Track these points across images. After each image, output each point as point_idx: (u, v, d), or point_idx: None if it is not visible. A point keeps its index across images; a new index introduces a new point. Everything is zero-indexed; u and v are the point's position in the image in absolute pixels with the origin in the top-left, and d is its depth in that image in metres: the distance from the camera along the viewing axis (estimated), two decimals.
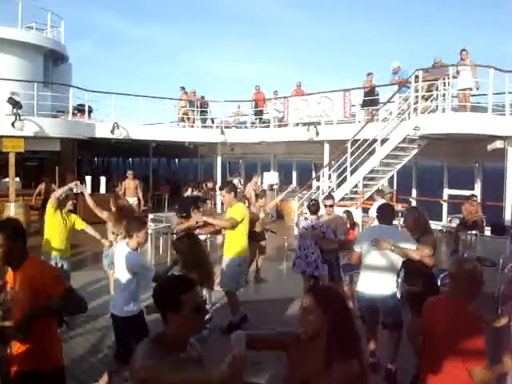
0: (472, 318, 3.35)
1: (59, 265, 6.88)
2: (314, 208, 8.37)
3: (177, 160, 38.53)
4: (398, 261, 5.63)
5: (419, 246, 5.56)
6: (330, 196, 9.23)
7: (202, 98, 22.96)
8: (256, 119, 21.86)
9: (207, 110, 23.08)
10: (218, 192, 16.90)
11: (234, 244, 7.27)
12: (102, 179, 18.88)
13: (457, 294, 3.42)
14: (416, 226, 5.86)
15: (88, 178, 18.25)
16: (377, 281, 5.69)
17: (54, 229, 7.17)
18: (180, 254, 5.67)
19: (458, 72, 14.26)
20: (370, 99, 17.01)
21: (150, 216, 14.79)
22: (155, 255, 12.32)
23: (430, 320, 3.49)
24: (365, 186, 15.23)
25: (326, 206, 8.52)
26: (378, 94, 17.32)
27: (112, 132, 18.54)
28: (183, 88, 22.42)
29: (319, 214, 8.42)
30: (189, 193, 22.00)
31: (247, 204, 11.45)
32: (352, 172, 15.09)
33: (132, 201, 15.58)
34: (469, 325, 3.30)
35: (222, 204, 20.58)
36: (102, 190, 18.55)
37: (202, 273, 5.52)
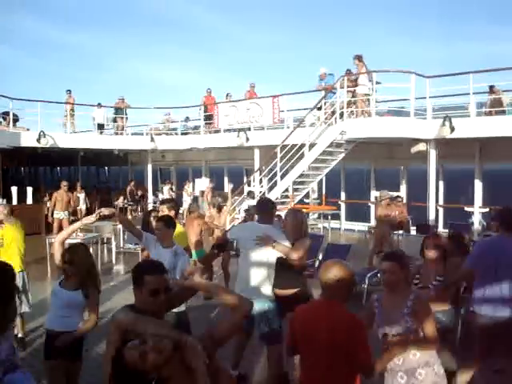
0: (351, 317, 3.35)
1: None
2: (249, 214, 8.53)
3: (106, 168, 37.89)
4: (273, 264, 5.32)
5: (295, 246, 5.31)
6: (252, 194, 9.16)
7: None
8: (206, 124, 20.88)
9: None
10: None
11: None
12: (29, 190, 18.35)
13: (330, 296, 3.37)
14: (294, 229, 5.51)
15: (14, 189, 17.70)
16: (251, 283, 5.32)
17: None
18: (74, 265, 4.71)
19: (356, 80, 14.72)
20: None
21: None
22: None
23: (308, 326, 3.40)
24: (295, 189, 15.47)
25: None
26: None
27: (38, 141, 18.07)
28: (69, 91, 21.46)
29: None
30: (120, 201, 21.79)
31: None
32: (282, 176, 15.30)
33: (63, 215, 14.99)
34: (351, 325, 3.31)
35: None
36: (29, 200, 18.01)
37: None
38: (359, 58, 14.91)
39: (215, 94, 21.26)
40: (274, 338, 5.21)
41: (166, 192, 21.57)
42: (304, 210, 9.15)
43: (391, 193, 16.94)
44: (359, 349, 3.25)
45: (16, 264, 6.20)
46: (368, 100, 14.64)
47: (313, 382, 3.41)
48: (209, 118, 20.70)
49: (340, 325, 3.27)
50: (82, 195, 20.33)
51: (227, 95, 20.97)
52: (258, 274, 5.29)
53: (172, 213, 6.45)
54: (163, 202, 7.18)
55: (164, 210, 6.55)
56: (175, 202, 7.11)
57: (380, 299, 3.98)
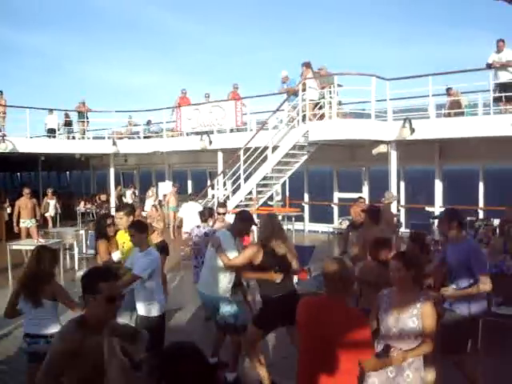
0: (354, 314, 3.55)
1: None
2: (203, 217, 8.52)
3: (68, 173, 37.33)
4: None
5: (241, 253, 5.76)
6: (222, 204, 9.16)
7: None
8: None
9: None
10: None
11: None
12: None
13: (333, 293, 3.53)
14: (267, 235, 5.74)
15: None
16: (211, 280, 5.92)
17: None
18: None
19: (304, 84, 14.87)
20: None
21: (40, 232, 14.36)
22: None
23: (310, 320, 3.55)
24: (259, 192, 15.50)
25: (218, 213, 8.52)
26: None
27: None
28: (0, 92, 20.26)
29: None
30: (81, 207, 21.50)
31: None
32: (246, 179, 15.32)
33: (30, 223, 14.31)
34: (353, 320, 3.46)
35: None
36: None
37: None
38: (307, 64, 15.27)
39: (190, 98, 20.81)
40: (229, 331, 5.93)
41: (129, 196, 21.34)
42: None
43: (353, 194, 17.23)
44: (361, 342, 3.39)
45: None
46: (317, 104, 14.85)
47: (312, 373, 3.48)
48: None
49: (341, 318, 3.42)
50: (52, 201, 20.00)
51: (206, 95, 20.36)
52: (216, 275, 5.86)
53: (130, 218, 6.39)
54: (118, 208, 6.99)
55: (121, 217, 6.39)
56: (132, 208, 6.87)
57: (389, 296, 4.11)
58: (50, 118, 21.45)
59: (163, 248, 10.32)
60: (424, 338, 3.88)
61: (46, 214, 19.41)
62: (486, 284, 5.19)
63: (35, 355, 4.61)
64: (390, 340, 3.92)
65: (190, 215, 11.76)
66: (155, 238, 10.42)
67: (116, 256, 6.45)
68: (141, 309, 5.48)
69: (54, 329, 4.68)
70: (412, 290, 4.00)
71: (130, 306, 5.57)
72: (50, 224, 19.20)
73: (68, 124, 22.15)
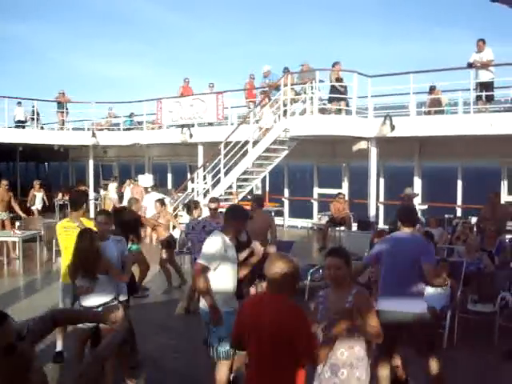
0: (295, 308, 3.40)
1: None
2: (188, 210, 8.50)
3: (46, 164, 36.91)
4: None
5: None
6: (214, 199, 8.73)
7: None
8: (250, 112, 17.65)
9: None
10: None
11: None
12: None
13: (276, 290, 3.42)
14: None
15: None
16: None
17: None
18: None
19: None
20: (337, 92, 14.95)
21: (18, 223, 14.14)
22: (23, 264, 11.78)
23: (253, 319, 3.43)
24: (239, 186, 15.45)
25: (210, 209, 8.36)
26: (346, 88, 15.04)
27: None
28: None
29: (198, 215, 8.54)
30: (59, 198, 21.26)
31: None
32: (226, 173, 15.27)
33: (5, 215, 13.96)
34: (295, 316, 3.35)
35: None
36: None
37: None
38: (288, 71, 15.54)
39: (170, 91, 20.44)
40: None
41: (113, 190, 20.59)
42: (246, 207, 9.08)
43: (333, 190, 17.31)
44: (304, 339, 3.30)
45: None
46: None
47: (260, 374, 3.41)
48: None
49: (284, 317, 3.31)
50: (39, 194, 19.23)
51: (210, 85, 19.57)
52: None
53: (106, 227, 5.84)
54: (98, 213, 6.28)
55: (102, 221, 5.74)
56: (109, 213, 6.16)
57: (325, 296, 4.02)
58: (18, 110, 21.28)
59: (170, 242, 10.31)
60: (371, 331, 3.80)
61: (33, 207, 18.81)
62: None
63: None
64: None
65: (151, 204, 12.35)
66: (161, 233, 10.40)
67: None
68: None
69: (109, 296, 5.30)
70: (348, 285, 3.92)
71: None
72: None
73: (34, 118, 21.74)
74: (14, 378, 2.37)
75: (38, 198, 19.13)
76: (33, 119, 21.29)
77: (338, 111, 14.86)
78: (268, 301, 3.45)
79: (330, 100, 15.07)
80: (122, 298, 5.69)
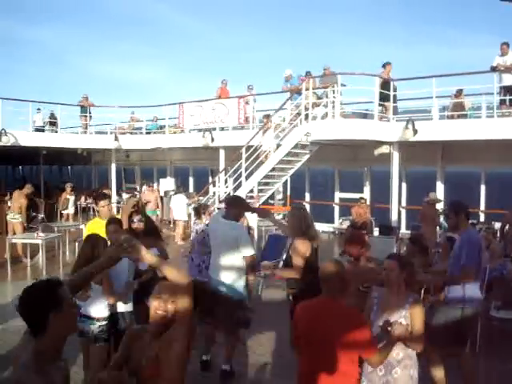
0: (353, 313, 3.59)
1: None
2: (197, 214, 8.57)
3: (69, 167, 37.32)
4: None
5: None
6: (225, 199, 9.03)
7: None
8: (273, 115, 16.85)
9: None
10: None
11: None
12: None
13: (331, 294, 3.56)
14: (293, 227, 5.71)
15: None
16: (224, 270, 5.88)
17: None
18: None
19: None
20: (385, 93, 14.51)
21: (41, 226, 14.34)
22: (47, 266, 11.91)
23: (310, 323, 3.56)
24: (260, 190, 15.46)
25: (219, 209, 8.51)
26: (395, 89, 14.78)
27: None
28: None
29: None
30: (82, 201, 21.44)
31: None
32: (247, 177, 15.30)
33: (18, 218, 13.74)
34: (353, 321, 3.51)
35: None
36: None
37: None
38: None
39: (192, 95, 20.60)
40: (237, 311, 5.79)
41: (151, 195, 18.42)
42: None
43: (355, 195, 17.26)
44: (363, 340, 3.45)
45: None
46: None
47: (313, 375, 3.48)
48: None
49: (341, 319, 3.46)
50: (71, 197, 18.98)
51: (249, 87, 19.05)
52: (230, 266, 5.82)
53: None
54: (100, 196, 6.91)
55: (112, 230, 5.68)
56: (120, 222, 6.00)
57: (379, 298, 4.12)
58: (37, 117, 21.52)
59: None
60: (413, 336, 3.88)
61: (65, 212, 18.70)
62: (467, 276, 5.18)
63: (82, 333, 4.95)
64: (380, 342, 3.91)
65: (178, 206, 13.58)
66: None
67: None
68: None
69: (99, 313, 5.01)
70: (403, 291, 4.02)
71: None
72: (71, 222, 17.60)
73: (52, 123, 22.00)
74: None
75: (70, 201, 18.90)
76: (51, 123, 21.58)
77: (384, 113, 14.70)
78: (324, 304, 3.59)
79: (382, 99, 14.60)
80: (126, 309, 5.31)
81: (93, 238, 5.23)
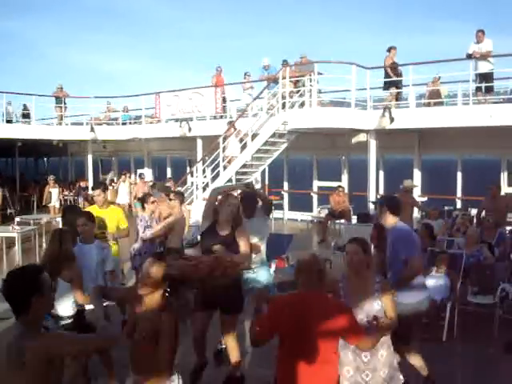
0: (336, 302, 3.62)
1: None
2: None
3: (45, 159, 36.87)
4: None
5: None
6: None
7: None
8: (249, 105, 16.56)
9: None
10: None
11: None
12: None
13: (310, 286, 3.56)
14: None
15: None
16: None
17: None
18: None
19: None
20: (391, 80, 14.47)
21: (17, 219, 14.16)
22: (23, 259, 11.76)
23: (292, 317, 3.50)
24: (238, 180, 15.43)
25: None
26: (401, 74, 14.59)
27: None
28: None
29: None
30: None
31: None
32: (225, 167, 15.23)
33: None
34: (337, 309, 3.57)
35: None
36: None
37: None
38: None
39: (169, 85, 20.45)
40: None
41: (126, 188, 19.46)
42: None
43: (333, 183, 17.30)
44: (349, 328, 3.51)
45: None
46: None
47: (296, 365, 3.48)
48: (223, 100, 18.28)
49: (326, 310, 3.50)
50: (55, 190, 18.71)
51: (246, 73, 18.20)
52: None
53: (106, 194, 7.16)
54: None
55: (99, 194, 6.90)
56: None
57: (343, 281, 4.18)
58: (9, 109, 21.14)
59: None
60: (389, 317, 4.00)
61: (50, 205, 18.34)
62: (413, 266, 5.06)
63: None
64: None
65: None
66: None
67: None
68: None
69: (64, 311, 4.86)
70: (367, 274, 4.10)
71: None
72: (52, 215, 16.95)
73: (26, 116, 21.68)
74: None
75: (53, 194, 18.62)
76: (24, 116, 21.28)
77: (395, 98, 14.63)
78: (304, 296, 3.58)
79: (386, 86, 14.64)
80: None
81: (60, 233, 5.13)
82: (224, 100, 18.23)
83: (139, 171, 21.51)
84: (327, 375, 3.51)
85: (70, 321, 4.91)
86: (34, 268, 2.88)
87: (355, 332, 3.52)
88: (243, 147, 15.20)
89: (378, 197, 14.38)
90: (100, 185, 7.87)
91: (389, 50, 14.57)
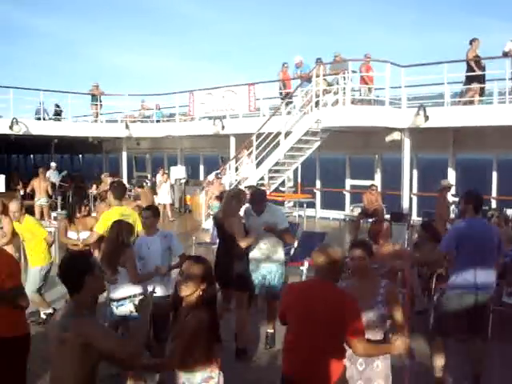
0: (344, 293, 3.64)
1: None
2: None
3: (80, 156, 37.48)
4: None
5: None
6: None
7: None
8: (282, 103, 16.31)
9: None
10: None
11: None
12: (1, 177, 18.07)
13: (324, 277, 3.60)
14: None
15: None
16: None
17: None
18: None
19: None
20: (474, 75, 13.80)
21: (54, 214, 14.44)
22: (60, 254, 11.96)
23: (304, 303, 3.57)
24: (270, 178, 15.49)
25: None
26: (484, 67, 13.91)
27: (11, 128, 17.78)
28: None
29: None
30: (93, 190, 21.50)
31: None
32: (258, 165, 15.30)
33: (44, 202, 15.46)
34: (343, 299, 3.56)
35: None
36: (2, 188, 17.72)
37: None
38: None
39: (202, 83, 20.52)
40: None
41: (167, 187, 18.84)
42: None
43: (366, 182, 17.22)
44: (355, 321, 3.50)
45: None
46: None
47: (303, 353, 3.52)
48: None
49: (335, 303, 3.50)
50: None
51: (284, 65, 17.72)
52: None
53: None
54: (145, 208, 6.45)
55: (147, 215, 5.94)
56: (156, 208, 6.36)
57: (348, 287, 4.08)
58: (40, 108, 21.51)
59: None
60: (397, 321, 3.96)
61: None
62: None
63: (124, 316, 5.22)
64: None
65: None
66: None
67: (84, 236, 6.83)
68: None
69: (133, 290, 5.22)
70: (372, 278, 4.10)
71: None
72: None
73: (58, 114, 22.06)
74: None
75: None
76: (56, 114, 21.67)
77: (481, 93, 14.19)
78: (318, 287, 3.62)
79: (468, 80, 14.09)
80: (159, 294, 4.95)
81: (118, 224, 5.44)
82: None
83: (172, 169, 21.68)
84: (332, 363, 3.51)
85: (136, 299, 5.14)
86: (83, 253, 3.60)
87: (356, 326, 3.51)
88: (258, 164, 15.46)
89: (458, 192, 13.98)
90: (151, 207, 6.44)
91: (471, 42, 13.79)
